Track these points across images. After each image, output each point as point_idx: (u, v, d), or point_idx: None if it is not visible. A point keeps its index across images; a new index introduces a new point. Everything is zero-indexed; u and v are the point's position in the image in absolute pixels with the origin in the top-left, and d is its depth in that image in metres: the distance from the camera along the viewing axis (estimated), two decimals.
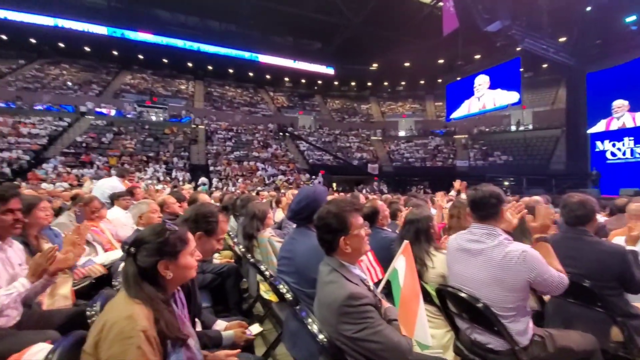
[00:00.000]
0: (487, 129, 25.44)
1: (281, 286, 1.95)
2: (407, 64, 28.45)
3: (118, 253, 2.82)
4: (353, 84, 33.52)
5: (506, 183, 18.13)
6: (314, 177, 19.36)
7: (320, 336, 1.36)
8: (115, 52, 25.93)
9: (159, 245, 1.16)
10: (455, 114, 21.90)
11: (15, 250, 1.92)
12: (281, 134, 24.03)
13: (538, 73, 24.62)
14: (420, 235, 2.21)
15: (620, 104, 14.80)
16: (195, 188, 15.37)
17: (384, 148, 26.87)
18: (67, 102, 20.09)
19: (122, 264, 2.32)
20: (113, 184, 5.21)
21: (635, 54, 14.37)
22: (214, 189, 13.91)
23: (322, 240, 1.47)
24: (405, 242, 1.68)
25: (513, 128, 24.64)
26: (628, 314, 2.05)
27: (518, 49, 17.23)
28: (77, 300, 2.34)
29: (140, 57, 26.76)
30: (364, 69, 29.88)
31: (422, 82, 31.50)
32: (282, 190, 13.49)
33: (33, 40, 23.86)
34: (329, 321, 1.35)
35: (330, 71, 29.30)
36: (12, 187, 1.97)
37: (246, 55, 26.43)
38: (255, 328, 1.94)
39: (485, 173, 19.10)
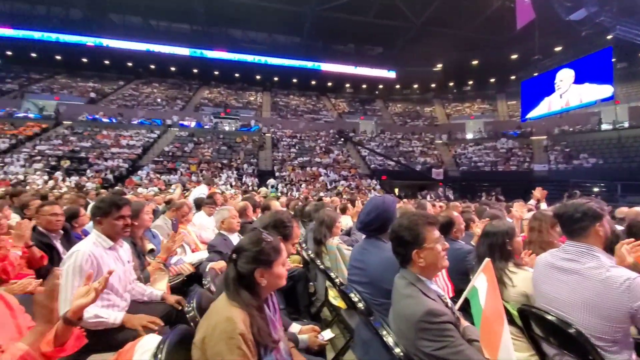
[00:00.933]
0: (570, 129, 22.54)
1: (352, 295, 1.97)
2: (474, 62, 26.69)
3: (204, 254, 3.10)
4: (415, 86, 32.47)
5: (595, 189, 15.89)
6: (375, 182, 19.12)
7: (397, 350, 1.35)
8: (195, 70, 28.78)
9: (256, 254, 1.29)
10: (532, 114, 19.91)
11: (125, 249, 2.23)
12: (342, 139, 24.20)
13: (634, 63, 21.26)
14: (494, 250, 2.05)
15: None
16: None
17: (450, 152, 25.45)
18: (157, 117, 22.73)
19: (209, 264, 2.59)
20: (203, 191, 5.77)
21: None
22: (279, 194, 14.53)
23: (396, 252, 1.49)
24: (487, 260, 1.59)
25: (605, 127, 21.38)
26: None
27: (609, 37, 15.07)
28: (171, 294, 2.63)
29: (216, 73, 29.36)
30: (427, 70, 28.76)
31: (492, 80, 29.30)
32: (345, 196, 13.54)
33: (130, 64, 27.60)
34: (406, 335, 1.34)
35: (392, 75, 28.78)
36: (123, 196, 2.31)
37: (309, 65, 27.31)
38: (328, 334, 1.99)
39: (569, 178, 16.94)
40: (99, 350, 1.74)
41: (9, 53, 26.00)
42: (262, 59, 26.49)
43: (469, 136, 27.45)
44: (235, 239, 3.03)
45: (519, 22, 17.45)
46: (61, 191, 9.92)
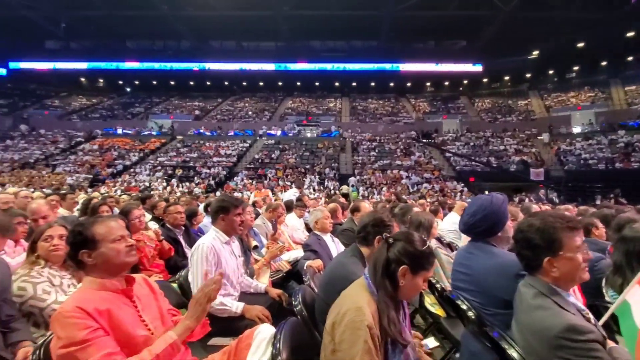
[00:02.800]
0: None
1: (460, 302, 1.81)
2: (580, 45, 22.88)
3: (299, 252, 3.24)
4: (506, 78, 29.24)
5: None
6: (461, 184, 17.69)
7: None
8: (280, 83, 30.79)
9: (412, 251, 1.24)
10: None
11: (236, 245, 2.45)
12: (424, 140, 23.04)
13: None
14: (632, 259, 1.68)
15: None
16: (346, 195, 16.49)
17: (551, 149, 22.13)
18: (248, 128, 24.85)
19: (306, 263, 2.68)
20: (294, 193, 6.12)
21: None
22: (360, 197, 14.48)
23: (520, 255, 1.30)
24: None
25: None
26: None
27: None
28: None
29: (298, 83, 30.97)
30: (520, 59, 25.68)
31: (603, 64, 24.73)
32: (428, 199, 12.87)
33: (226, 83, 30.90)
34: (537, 351, 1.16)
35: (478, 68, 26.48)
36: (239, 199, 2.55)
37: (387, 66, 26.86)
38: (432, 342, 1.86)
39: None
40: (220, 335, 1.93)
41: (137, 82, 31.48)
42: (341, 66, 27.01)
43: (576, 130, 23.45)
44: (328, 239, 3.09)
45: None
46: (176, 195, 11.52)
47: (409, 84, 30.53)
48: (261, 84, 31.14)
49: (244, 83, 31.05)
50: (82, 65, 28.41)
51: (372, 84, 30.81)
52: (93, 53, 28.05)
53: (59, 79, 30.31)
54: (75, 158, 20.51)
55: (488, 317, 1.66)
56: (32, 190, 7.64)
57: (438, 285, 2.34)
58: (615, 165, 18.36)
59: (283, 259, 3.32)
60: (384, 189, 16.76)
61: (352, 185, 16.83)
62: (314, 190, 16.52)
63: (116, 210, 4.19)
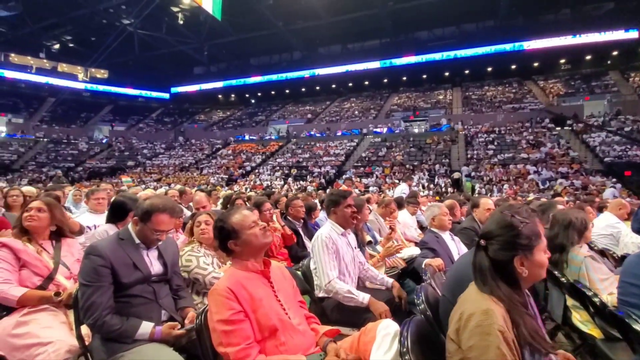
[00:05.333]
0: None
1: (635, 322, 1.40)
2: None
3: (415, 250, 3.09)
4: None
5: None
6: (612, 179, 14.07)
7: None
8: (385, 80, 30.21)
9: (513, 238, 1.08)
10: None
11: (352, 237, 2.50)
12: (558, 129, 19.17)
13: None
14: None
15: None
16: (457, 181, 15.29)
17: None
18: (355, 127, 25.23)
19: (424, 261, 2.53)
20: (404, 189, 5.94)
21: None
22: (476, 195, 13.03)
23: None
24: None
25: None
26: None
27: None
28: None
29: (404, 78, 29.81)
30: None
31: None
32: (565, 198, 10.72)
33: (333, 86, 32.04)
34: None
35: (633, 35, 20.62)
36: (347, 191, 2.59)
37: (507, 47, 23.41)
38: None
39: None
40: (342, 324, 1.98)
41: (259, 94, 35.58)
42: (451, 54, 24.84)
43: None
44: (447, 237, 2.84)
45: None
46: (293, 192, 12.56)
47: (536, 64, 25.91)
48: (366, 83, 31.18)
49: (350, 84, 31.64)
50: (219, 84, 33.81)
51: (489, 69, 27.32)
52: (226, 73, 33.13)
53: (203, 97, 36.72)
54: (216, 162, 24.49)
55: None
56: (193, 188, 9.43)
57: (596, 300, 1.87)
58: None
59: (397, 256, 3.21)
60: (506, 186, 14.67)
61: (466, 175, 15.32)
62: (424, 187, 15.66)
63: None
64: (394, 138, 22.43)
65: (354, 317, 2.02)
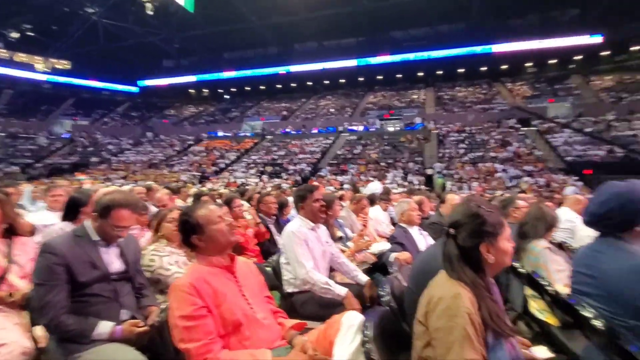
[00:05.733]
0: None
1: (584, 309, 1.53)
2: None
3: (385, 245, 3.17)
4: (635, 49, 23.69)
5: None
6: (573, 177, 15.05)
7: None
8: (361, 78, 30.60)
9: (479, 226, 1.16)
10: None
11: (323, 230, 2.53)
12: (524, 129, 20.23)
13: None
14: None
15: None
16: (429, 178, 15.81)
17: None
18: (331, 125, 25.37)
19: (393, 255, 2.61)
20: (377, 187, 6.07)
21: None
22: (446, 192, 13.50)
23: None
24: None
25: None
26: None
27: None
28: None
29: (379, 77, 30.35)
30: None
31: None
32: (530, 195, 11.33)
33: (309, 83, 32.07)
34: None
35: (597, 40, 22.08)
36: (312, 185, 2.64)
37: (477, 49, 24.39)
38: (543, 352, 1.61)
39: None
40: (315, 319, 2.01)
41: (233, 90, 34.96)
42: (424, 54, 25.56)
43: None
44: (415, 232, 2.94)
45: None
46: (267, 190, 12.47)
47: (504, 67, 27.19)
48: (342, 81, 31.44)
49: (326, 81, 31.78)
50: (191, 79, 32.88)
51: (460, 70, 28.36)
52: (198, 67, 32.26)
53: (173, 91, 35.56)
54: (187, 159, 23.82)
55: (622, 330, 1.37)
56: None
57: (551, 289, 2.01)
58: None
59: (369, 251, 3.29)
60: (475, 184, 15.31)
61: (438, 172, 15.86)
62: (398, 185, 16.02)
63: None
64: (369, 136, 22.78)
65: (324, 311, 2.05)
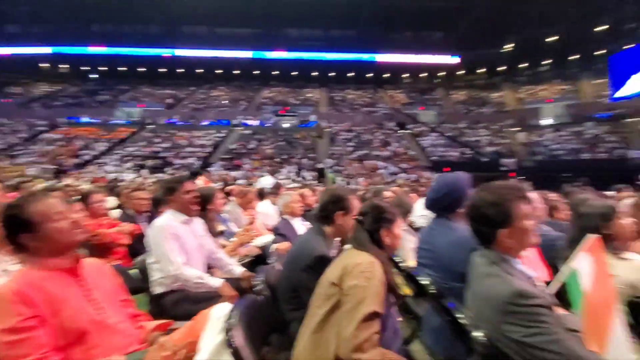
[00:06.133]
0: None
1: (421, 278, 1.85)
2: (552, 39, 23.79)
3: (269, 237, 3.22)
4: (481, 71, 30.03)
5: None
6: (437, 174, 18.16)
7: (476, 333, 1.21)
8: (256, 72, 30.20)
9: (379, 214, 1.51)
10: (622, 92, 17.08)
11: (198, 223, 2.41)
12: (401, 131, 23.39)
13: None
14: (586, 234, 1.76)
15: None
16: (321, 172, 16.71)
17: (523, 140, 23.06)
18: (223, 117, 24.29)
19: (274, 246, 2.66)
20: (268, 181, 6.09)
21: None
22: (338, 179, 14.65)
23: (478, 232, 1.29)
24: (592, 237, 1.36)
25: None
26: None
27: None
28: None
29: (275, 73, 30.52)
30: (494, 52, 26.42)
31: (573, 57, 25.82)
32: (406, 189, 13.08)
33: (199, 71, 29.97)
34: (488, 318, 1.18)
35: (456, 60, 27.01)
36: (183, 175, 2.49)
37: (364, 57, 26.93)
38: None
39: None
40: (187, 318, 1.89)
41: (103, 69, 29.96)
42: (319, 55, 26.85)
43: (547, 122, 24.53)
44: (297, 223, 3.07)
45: None
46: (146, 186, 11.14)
47: (386, 75, 30.78)
48: (237, 72, 30.43)
49: (218, 71, 30.24)
50: (45, 50, 26.74)
51: (351, 74, 30.85)
52: (56, 38, 26.42)
53: (19, 64, 28.35)
54: (37, 148, 19.38)
55: (447, 291, 1.71)
56: None
57: (403, 265, 2.38)
58: (583, 156, 19.39)
59: (253, 244, 3.28)
60: (361, 178, 16.93)
61: (329, 167, 16.95)
62: (293, 181, 16.45)
63: None
64: (264, 131, 22.71)
65: (198, 308, 1.95)
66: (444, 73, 30.22)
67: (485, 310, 1.19)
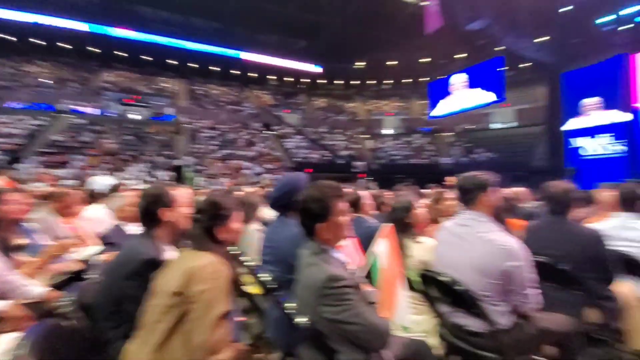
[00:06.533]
0: (470, 127, 25.92)
1: (262, 274, 1.92)
2: (392, 63, 28.68)
3: (93, 249, 2.72)
4: (339, 82, 33.56)
5: None
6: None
7: (300, 319, 1.34)
8: (96, 49, 25.25)
9: (214, 212, 1.48)
10: (435, 112, 22.22)
11: None
12: (266, 132, 23.87)
13: (520, 71, 25.03)
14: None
15: (589, 102, 15.19)
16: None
17: (370, 146, 27.06)
18: (43, 101, 19.38)
19: (101, 257, 2.27)
20: (106, 182, 5.17)
21: (607, 54, 14.81)
22: (198, 187, 13.69)
23: (304, 225, 1.46)
24: (386, 225, 1.67)
25: (493, 125, 25.54)
26: (604, 296, 2.09)
27: (499, 48, 17.60)
28: None
29: (122, 54, 26.18)
30: (350, 67, 29.98)
31: (406, 80, 31.77)
32: (268, 189, 13.37)
33: (10, 38, 23.00)
34: (309, 304, 1.33)
35: (319, 70, 29.30)
36: None
37: (229, 52, 26.21)
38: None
39: (469, 170, 19.32)
40: None
41: None
42: (178, 42, 24.58)
43: (387, 131, 29.55)
44: (131, 229, 2.71)
45: (428, 28, 19.21)
46: None
47: (253, 75, 30.78)
48: (67, 46, 24.69)
49: (40, 41, 23.89)
50: None
51: (215, 68, 29.45)
52: None
53: None
54: None
55: (286, 284, 1.82)
56: None
57: (249, 264, 2.41)
58: (412, 161, 24.19)
59: (74, 257, 2.72)
60: (225, 179, 16.42)
61: (187, 166, 15.81)
62: (144, 181, 14.52)
63: None
64: (105, 122, 19.28)
65: None
66: (308, 80, 32.36)
67: (307, 297, 1.33)
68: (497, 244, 1.68)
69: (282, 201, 1.98)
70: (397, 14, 22.04)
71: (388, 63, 28.75)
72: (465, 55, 24.11)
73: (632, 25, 14.71)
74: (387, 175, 22.18)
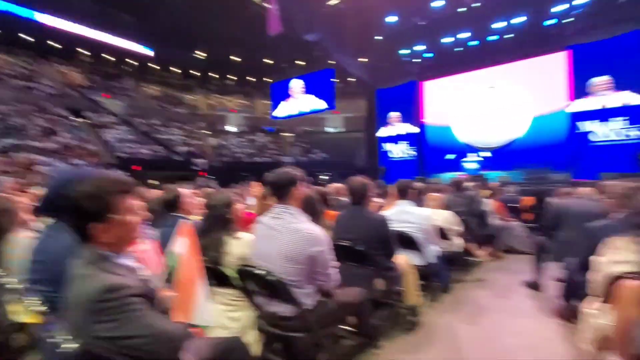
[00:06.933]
0: (309, 129, 28.54)
1: (28, 300, 1.50)
2: (236, 59, 28.36)
3: None
4: (176, 70, 30.75)
5: (324, 177, 20.72)
6: (127, 174, 16.66)
7: (67, 345, 1.07)
8: None
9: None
10: (276, 113, 23.45)
11: None
12: (76, 120, 19.48)
13: (347, 84, 29.04)
14: (217, 221, 2.16)
15: (394, 115, 19.36)
16: None
17: (212, 143, 25.98)
18: None
19: None
20: None
21: (405, 79, 19.18)
22: None
23: (74, 228, 1.16)
24: (183, 222, 1.58)
25: (327, 129, 28.93)
26: (388, 267, 2.64)
27: (332, 61, 20.00)
28: None
29: None
30: (189, 55, 27.87)
31: (250, 78, 32.07)
32: None
33: None
34: (81, 326, 1.07)
35: (149, 52, 25.93)
36: None
37: (18, 10, 20.14)
38: None
39: (307, 168, 21.25)
40: None
41: None
42: None
43: (231, 129, 29.07)
44: None
45: (270, 31, 19.88)
46: None
47: (56, 45, 24.52)
48: None
49: None
50: None
51: None
52: None
53: None
54: None
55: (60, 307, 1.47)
56: None
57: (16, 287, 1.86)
58: (256, 159, 24.64)
59: None
60: (9, 178, 12.45)
61: None
62: None
63: None
64: None
65: None
66: (136, 63, 28.24)
67: (77, 319, 1.08)
68: (303, 232, 1.86)
69: (56, 204, 1.58)
70: (242, 10, 21.85)
71: (232, 58, 28.27)
72: (304, 62, 26.25)
73: (420, 60, 19.30)
74: (231, 173, 21.87)
